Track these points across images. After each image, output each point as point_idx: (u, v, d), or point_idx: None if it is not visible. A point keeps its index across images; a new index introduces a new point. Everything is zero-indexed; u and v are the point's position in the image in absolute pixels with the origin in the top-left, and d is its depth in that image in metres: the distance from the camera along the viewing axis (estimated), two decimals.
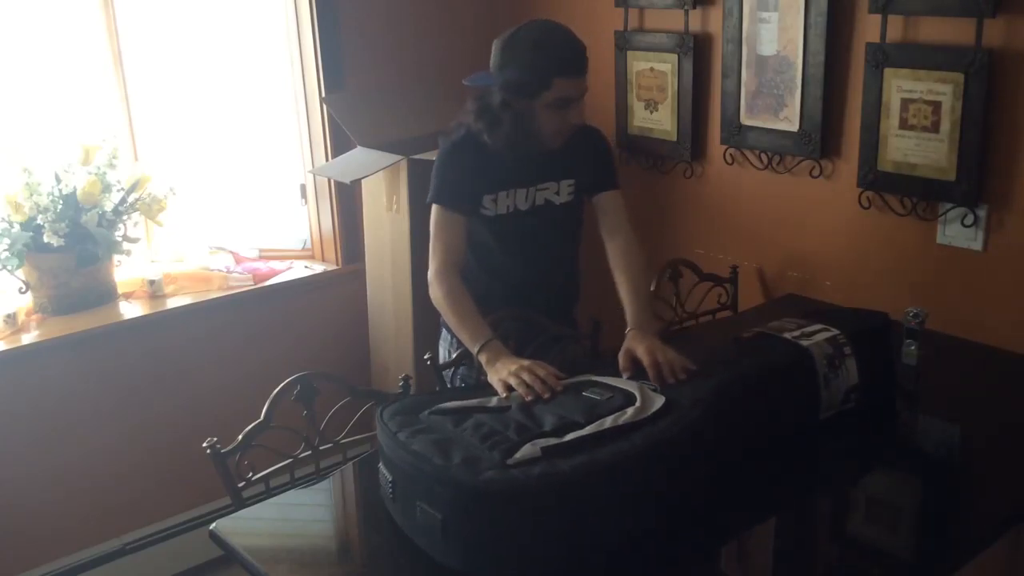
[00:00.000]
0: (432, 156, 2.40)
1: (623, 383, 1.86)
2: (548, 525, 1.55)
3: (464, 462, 1.57)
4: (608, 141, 2.42)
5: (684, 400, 1.78)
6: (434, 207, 2.23)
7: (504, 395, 1.86)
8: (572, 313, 2.49)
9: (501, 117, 2.15)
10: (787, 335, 2.03)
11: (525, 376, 1.86)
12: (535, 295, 2.36)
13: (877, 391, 2.08)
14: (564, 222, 2.37)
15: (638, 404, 1.75)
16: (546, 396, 1.82)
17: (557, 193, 2.31)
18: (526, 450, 1.60)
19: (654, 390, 1.83)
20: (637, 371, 1.94)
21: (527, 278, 2.34)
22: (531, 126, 2.16)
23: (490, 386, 1.92)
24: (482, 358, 2.01)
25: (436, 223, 2.23)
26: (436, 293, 2.19)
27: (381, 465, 1.74)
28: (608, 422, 1.69)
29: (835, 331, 2.03)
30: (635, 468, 1.62)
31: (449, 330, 2.42)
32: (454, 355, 2.33)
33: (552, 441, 1.63)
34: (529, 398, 1.82)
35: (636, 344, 1.98)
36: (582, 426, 1.68)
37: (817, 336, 2.01)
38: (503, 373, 1.91)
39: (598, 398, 1.79)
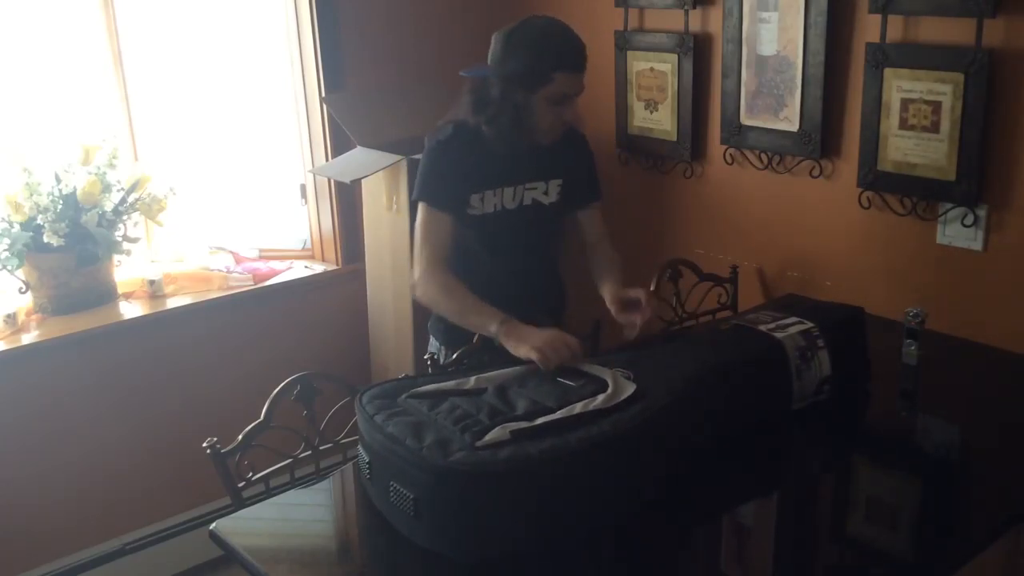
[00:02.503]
0: None
1: (597, 371, 1.89)
2: (515, 506, 1.58)
3: (435, 444, 1.61)
4: (590, 145, 2.42)
5: (655, 389, 1.81)
6: (420, 206, 2.23)
7: (537, 361, 1.92)
8: (561, 323, 2.45)
9: (502, 109, 2.16)
10: (762, 327, 2.07)
11: (548, 347, 1.92)
12: (524, 302, 2.28)
13: (851, 382, 2.13)
14: (550, 223, 2.36)
15: (609, 391, 1.78)
16: (565, 363, 1.90)
17: (546, 193, 2.31)
18: (496, 433, 1.64)
19: (627, 378, 1.86)
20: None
21: (514, 283, 2.31)
22: (529, 120, 2.17)
23: (462, 370, 1.95)
24: (502, 332, 2.03)
25: (422, 222, 2.22)
26: (428, 291, 2.18)
27: (360, 447, 1.78)
28: (578, 408, 1.72)
29: (809, 324, 2.08)
30: (602, 453, 1.64)
31: (439, 339, 2.40)
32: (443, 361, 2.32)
33: (522, 425, 1.67)
34: (551, 367, 1.89)
35: (628, 289, 2.06)
36: (553, 411, 1.72)
37: (791, 328, 2.06)
38: (534, 340, 1.95)
39: (572, 384, 1.83)
